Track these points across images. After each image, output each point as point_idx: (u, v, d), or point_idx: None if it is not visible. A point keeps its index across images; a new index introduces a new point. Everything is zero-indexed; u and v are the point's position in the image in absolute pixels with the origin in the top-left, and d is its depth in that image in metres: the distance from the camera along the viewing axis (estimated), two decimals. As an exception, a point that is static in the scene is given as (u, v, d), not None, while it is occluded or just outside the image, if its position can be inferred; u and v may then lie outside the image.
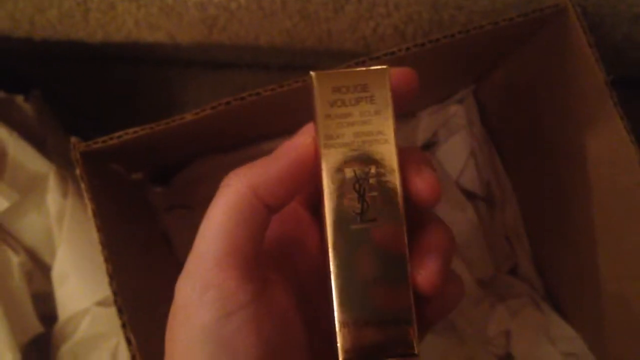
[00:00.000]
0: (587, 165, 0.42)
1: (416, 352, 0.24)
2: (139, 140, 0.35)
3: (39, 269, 0.46)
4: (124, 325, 0.31)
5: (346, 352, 0.24)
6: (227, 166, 0.50)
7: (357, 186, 0.25)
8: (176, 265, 0.51)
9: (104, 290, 0.42)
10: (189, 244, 0.52)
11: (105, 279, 0.32)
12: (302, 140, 0.27)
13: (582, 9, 0.43)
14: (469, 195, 0.57)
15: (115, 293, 0.31)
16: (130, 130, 0.34)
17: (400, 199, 0.25)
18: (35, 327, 0.46)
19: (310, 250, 0.29)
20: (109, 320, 0.45)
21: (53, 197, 0.45)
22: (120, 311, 0.31)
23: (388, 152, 0.25)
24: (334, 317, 0.25)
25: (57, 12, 0.43)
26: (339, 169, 0.25)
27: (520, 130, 0.52)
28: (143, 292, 0.38)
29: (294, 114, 0.45)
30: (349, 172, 0.25)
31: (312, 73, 0.27)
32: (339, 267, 0.25)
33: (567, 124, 0.43)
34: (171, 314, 0.26)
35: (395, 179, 0.25)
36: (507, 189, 0.56)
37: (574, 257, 0.48)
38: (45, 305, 0.47)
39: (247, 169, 0.27)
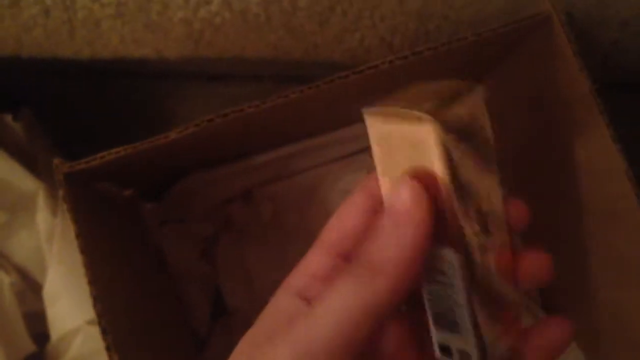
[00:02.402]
0: (576, 174, 0.41)
1: None
2: (124, 160, 0.35)
3: (30, 288, 0.46)
4: (108, 348, 0.31)
5: None
6: (218, 179, 0.51)
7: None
8: (169, 279, 0.51)
9: (95, 308, 0.42)
10: (182, 257, 0.52)
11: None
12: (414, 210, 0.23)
13: (569, 16, 0.42)
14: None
15: (99, 315, 0.31)
16: (113, 151, 0.34)
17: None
18: (28, 346, 0.46)
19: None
20: (100, 339, 0.45)
21: (43, 216, 0.45)
22: (104, 333, 0.31)
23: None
24: None
25: (42, 30, 0.43)
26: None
27: (509, 140, 0.51)
28: (131, 313, 0.38)
29: (281, 127, 0.45)
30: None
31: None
32: None
33: (555, 133, 0.43)
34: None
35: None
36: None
37: (566, 264, 0.48)
38: (37, 324, 0.47)
39: (380, 254, 0.24)
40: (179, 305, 0.51)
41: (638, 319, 0.42)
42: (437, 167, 0.23)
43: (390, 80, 0.40)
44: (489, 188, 0.25)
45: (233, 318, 0.52)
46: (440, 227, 0.24)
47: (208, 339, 0.52)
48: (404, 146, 0.24)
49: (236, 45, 0.45)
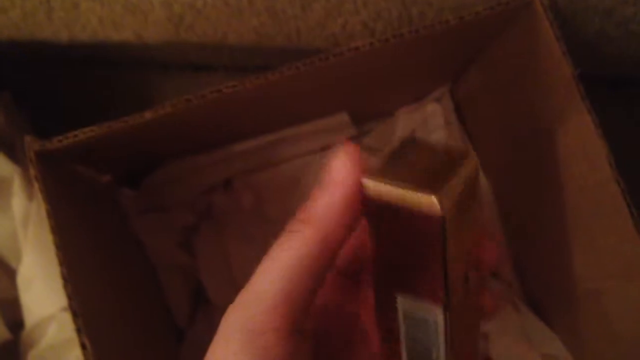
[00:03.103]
0: (559, 161, 0.41)
1: None
2: (99, 140, 0.35)
3: (5, 273, 0.46)
4: (78, 330, 0.30)
5: None
6: (199, 167, 0.50)
7: None
8: (148, 268, 0.51)
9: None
10: (161, 247, 0.52)
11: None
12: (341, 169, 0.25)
13: (553, 4, 0.42)
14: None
15: (69, 297, 0.31)
16: (87, 129, 0.33)
17: None
18: (3, 333, 0.45)
19: (347, 321, 0.29)
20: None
21: (18, 200, 0.45)
22: (75, 315, 0.31)
23: None
24: None
25: (20, 11, 0.42)
26: None
27: (495, 129, 0.51)
28: (105, 298, 0.37)
29: (261, 113, 0.44)
30: None
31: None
32: None
33: (538, 120, 0.42)
34: (214, 339, 0.25)
35: None
36: (484, 188, 0.55)
37: (549, 256, 0.48)
38: (12, 312, 0.46)
39: (310, 210, 0.25)
40: (158, 294, 0.51)
41: (620, 310, 0.41)
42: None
43: (371, 63, 0.40)
44: (474, 246, 0.26)
45: (213, 307, 0.51)
46: (426, 284, 0.25)
47: (188, 329, 0.52)
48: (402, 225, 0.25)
49: (218, 30, 0.44)
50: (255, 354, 0.23)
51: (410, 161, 0.25)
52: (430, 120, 0.57)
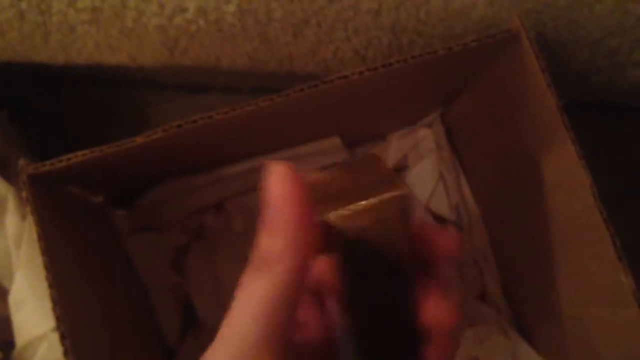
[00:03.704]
0: (545, 190, 0.42)
1: None
2: (92, 163, 0.35)
3: (-4, 293, 0.46)
4: (65, 352, 0.31)
5: None
6: (191, 189, 0.51)
7: None
8: (139, 288, 0.51)
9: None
10: (152, 267, 0.52)
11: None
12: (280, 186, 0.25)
13: (541, 35, 0.43)
14: (439, 219, 0.57)
15: (58, 319, 0.31)
16: (80, 153, 0.34)
17: None
18: (-7, 352, 0.46)
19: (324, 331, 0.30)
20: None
21: (12, 219, 0.45)
22: (62, 337, 0.31)
23: None
24: None
25: (17, 34, 0.43)
26: None
27: (485, 155, 0.52)
28: (95, 320, 0.38)
29: (253, 137, 0.45)
30: None
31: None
32: None
33: (525, 148, 0.43)
34: None
35: None
36: (474, 213, 0.56)
37: (537, 282, 0.48)
38: (3, 331, 0.46)
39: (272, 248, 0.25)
40: (149, 315, 0.51)
41: (604, 336, 0.42)
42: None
43: (362, 90, 0.40)
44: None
45: (203, 327, 0.52)
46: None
47: (178, 349, 0.52)
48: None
49: (211, 54, 0.45)
50: None
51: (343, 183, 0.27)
52: (422, 145, 0.58)
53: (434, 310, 0.27)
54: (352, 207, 0.25)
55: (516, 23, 0.38)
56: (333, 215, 0.25)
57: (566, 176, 0.38)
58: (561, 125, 0.36)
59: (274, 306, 0.24)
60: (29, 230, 0.45)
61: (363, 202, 0.25)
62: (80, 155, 0.34)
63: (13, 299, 0.45)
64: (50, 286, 0.31)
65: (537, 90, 0.38)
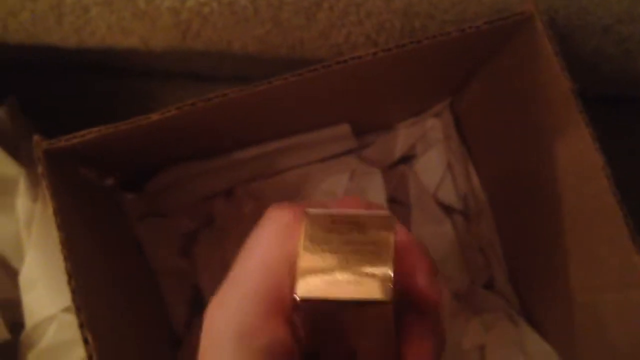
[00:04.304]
0: (556, 175, 0.42)
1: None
2: (106, 141, 0.35)
3: (6, 274, 0.46)
4: (81, 325, 0.31)
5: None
6: (201, 173, 0.51)
7: None
8: (148, 273, 0.51)
9: (72, 296, 0.42)
10: (161, 252, 0.52)
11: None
12: None
13: (552, 21, 0.43)
14: (446, 209, 0.57)
15: (73, 291, 0.31)
16: (95, 129, 0.34)
17: None
18: (2, 333, 0.46)
19: None
20: (76, 328, 0.44)
21: (23, 201, 0.45)
22: (78, 310, 0.31)
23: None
24: None
25: (30, 15, 0.43)
26: None
27: (495, 143, 0.52)
28: (106, 295, 0.38)
29: (264, 121, 0.45)
30: None
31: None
32: None
33: (536, 134, 0.43)
34: (202, 346, 0.24)
35: None
36: (483, 202, 0.56)
37: (546, 269, 0.48)
38: (13, 312, 0.46)
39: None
40: (157, 300, 0.51)
41: (616, 322, 0.42)
42: None
43: (374, 74, 0.40)
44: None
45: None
46: None
47: (185, 336, 0.52)
48: None
49: (223, 38, 0.45)
50: (252, 357, 0.23)
51: (331, 252, 0.24)
52: (430, 134, 0.58)
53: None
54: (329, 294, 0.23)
55: (529, 6, 0.38)
56: (304, 292, 0.23)
57: (578, 160, 0.38)
58: (574, 108, 0.36)
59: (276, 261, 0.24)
60: (40, 212, 0.45)
61: (341, 296, 0.23)
62: (94, 132, 0.34)
63: (23, 280, 0.45)
64: (66, 260, 0.31)
65: (550, 73, 0.38)
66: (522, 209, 0.50)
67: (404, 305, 0.25)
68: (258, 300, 0.24)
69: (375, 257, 0.23)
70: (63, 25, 0.43)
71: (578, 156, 0.38)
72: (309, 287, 0.23)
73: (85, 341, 0.31)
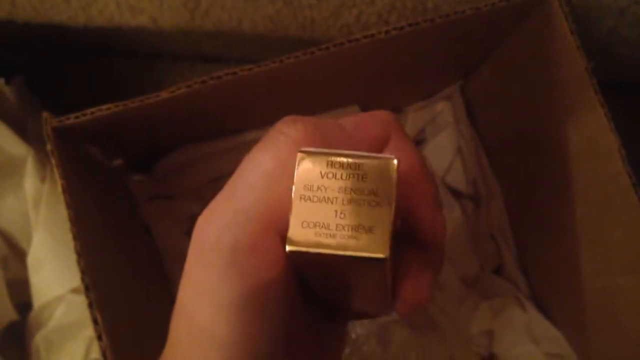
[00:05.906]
0: (570, 157, 0.41)
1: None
2: (115, 119, 0.35)
3: (14, 254, 0.46)
4: (90, 305, 0.31)
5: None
6: (209, 155, 0.50)
7: None
8: (156, 254, 0.51)
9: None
10: (169, 234, 0.52)
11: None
12: None
13: (568, 2, 0.42)
14: (456, 193, 0.56)
15: (82, 271, 0.31)
16: (104, 107, 0.33)
17: None
18: (10, 314, 0.46)
19: None
20: (84, 308, 0.44)
21: (31, 181, 0.45)
22: (87, 289, 0.31)
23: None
24: None
25: (38, -7, 0.42)
26: None
27: (506, 126, 0.51)
28: (114, 275, 0.38)
29: (274, 100, 0.45)
30: None
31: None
32: None
33: (550, 115, 0.43)
34: (188, 262, 0.22)
35: None
36: (493, 187, 0.55)
37: (557, 254, 0.48)
38: (21, 292, 0.46)
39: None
40: (164, 281, 0.51)
41: (628, 308, 0.41)
42: None
43: (385, 54, 0.40)
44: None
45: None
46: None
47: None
48: None
49: (232, 16, 0.44)
50: (243, 278, 0.21)
51: (326, 201, 0.21)
52: (440, 118, 0.57)
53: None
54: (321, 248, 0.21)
55: (545, -16, 0.37)
56: (294, 244, 0.21)
57: (592, 142, 0.38)
58: (590, 88, 0.36)
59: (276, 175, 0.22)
60: (48, 192, 0.45)
61: (334, 251, 0.21)
62: (104, 109, 0.33)
63: (31, 260, 0.45)
64: (75, 238, 0.31)
65: (565, 53, 0.37)
66: (533, 194, 0.50)
67: (404, 239, 0.24)
68: (258, 218, 0.21)
69: (373, 210, 0.21)
70: (71, 3, 0.43)
71: (592, 137, 0.38)
72: (299, 238, 0.21)
73: (95, 321, 0.31)
